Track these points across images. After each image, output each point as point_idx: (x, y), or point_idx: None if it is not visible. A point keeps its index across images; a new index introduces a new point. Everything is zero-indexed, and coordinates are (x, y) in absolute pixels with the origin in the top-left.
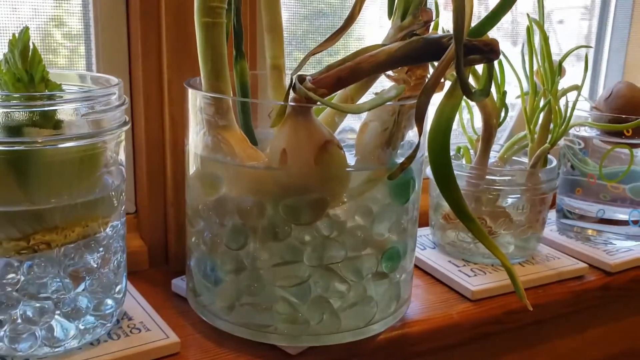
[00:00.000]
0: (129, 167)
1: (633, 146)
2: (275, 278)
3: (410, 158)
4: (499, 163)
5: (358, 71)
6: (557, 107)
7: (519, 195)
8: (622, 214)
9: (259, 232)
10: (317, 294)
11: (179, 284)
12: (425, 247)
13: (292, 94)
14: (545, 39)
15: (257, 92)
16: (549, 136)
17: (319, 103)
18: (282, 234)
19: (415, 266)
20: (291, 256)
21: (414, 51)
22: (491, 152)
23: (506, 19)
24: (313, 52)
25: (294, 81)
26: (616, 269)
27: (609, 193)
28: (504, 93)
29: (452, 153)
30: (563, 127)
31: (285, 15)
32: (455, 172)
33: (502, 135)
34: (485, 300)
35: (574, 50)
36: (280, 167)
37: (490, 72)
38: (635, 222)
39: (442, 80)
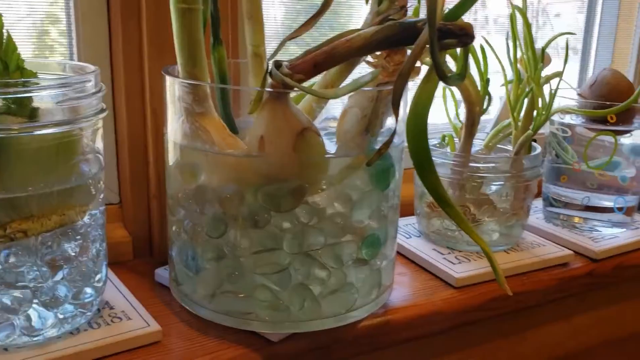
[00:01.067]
0: (112, 158)
1: (617, 133)
2: (256, 265)
3: (387, 144)
4: (484, 151)
5: (334, 56)
6: (539, 94)
7: (502, 183)
8: (607, 201)
9: (238, 220)
10: (298, 281)
11: (162, 274)
12: (411, 236)
13: (270, 81)
14: (527, 26)
15: (239, 80)
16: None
17: (296, 89)
18: (262, 221)
19: (401, 254)
20: (271, 243)
21: (389, 36)
22: (478, 141)
23: (502, 12)
24: (289, 38)
25: (270, 67)
26: (601, 256)
27: (596, 181)
28: (487, 81)
29: (437, 141)
30: (545, 114)
31: (281, 9)
32: (440, 160)
33: (489, 124)
34: (469, 287)
35: (557, 37)
36: (258, 154)
37: (465, 57)
38: (620, 209)
39: (419, 65)
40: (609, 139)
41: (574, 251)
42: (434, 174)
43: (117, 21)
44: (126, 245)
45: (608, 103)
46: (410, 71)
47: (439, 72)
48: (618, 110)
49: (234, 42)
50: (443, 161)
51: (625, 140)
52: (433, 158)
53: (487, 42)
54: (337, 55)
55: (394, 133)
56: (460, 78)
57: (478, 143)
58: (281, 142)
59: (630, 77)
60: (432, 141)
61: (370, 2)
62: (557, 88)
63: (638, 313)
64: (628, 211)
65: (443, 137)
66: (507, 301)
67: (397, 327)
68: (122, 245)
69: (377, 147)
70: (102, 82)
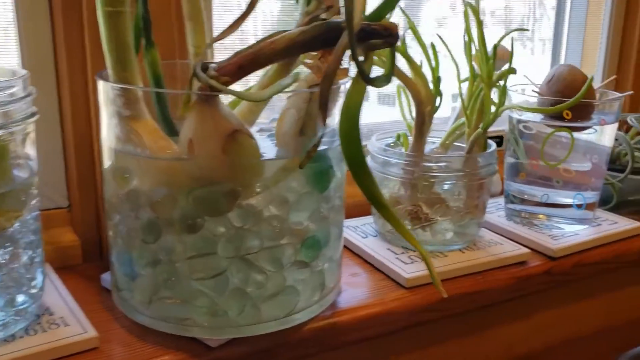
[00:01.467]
0: (60, 161)
1: (575, 129)
2: (192, 271)
3: (315, 147)
4: (440, 150)
5: (259, 58)
6: (488, 91)
7: (454, 181)
8: (566, 198)
9: (172, 224)
10: (235, 286)
11: (107, 279)
12: (367, 235)
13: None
14: (479, 23)
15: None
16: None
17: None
18: (195, 226)
19: (356, 254)
20: (206, 248)
21: (315, 37)
22: (437, 139)
23: (499, 4)
24: (216, 39)
25: (195, 69)
26: (559, 254)
27: (561, 178)
28: (438, 79)
29: (392, 140)
30: (494, 111)
31: (278, 4)
32: (392, 160)
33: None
34: (420, 287)
35: (509, 34)
36: (187, 157)
37: (392, 57)
38: (579, 206)
39: (349, 66)
40: (566, 135)
41: (533, 249)
42: (368, 176)
43: (59, 24)
44: (75, 249)
45: (565, 100)
46: (334, 73)
47: (361, 74)
48: (566, 107)
49: (182, 43)
50: (396, 161)
51: (588, 136)
52: (385, 158)
53: (440, 38)
54: (263, 57)
55: (321, 136)
56: (387, 80)
57: (439, 141)
58: (210, 145)
59: (600, 69)
60: (387, 140)
61: (300, 2)
62: (504, 85)
63: (599, 310)
64: (588, 208)
65: (398, 136)
66: (460, 301)
67: (345, 329)
68: (71, 249)
69: (320, 149)
70: (47, 85)
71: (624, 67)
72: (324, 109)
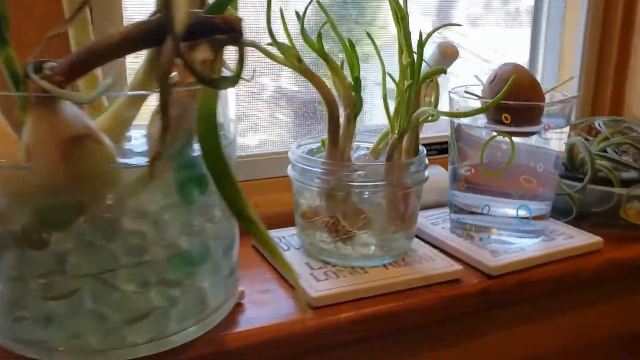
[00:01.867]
0: None
1: (516, 135)
2: (43, 290)
3: (159, 154)
4: (370, 157)
5: (94, 55)
6: (404, 95)
7: (374, 191)
8: (509, 209)
9: (18, 239)
10: (91, 307)
11: None
12: (290, 247)
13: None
14: (405, 26)
15: None
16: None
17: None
18: (41, 241)
19: (274, 268)
20: (55, 265)
21: (149, 31)
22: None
23: (529, 3)
24: (51, 36)
25: (26, 69)
26: (496, 272)
27: (521, 187)
28: (357, 80)
29: (317, 146)
30: (408, 116)
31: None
32: (310, 168)
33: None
34: (330, 307)
35: (435, 31)
36: (25, 165)
37: (241, 55)
38: (525, 219)
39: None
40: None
41: (471, 266)
42: (232, 185)
43: None
44: None
45: (507, 102)
46: (166, 75)
47: (194, 74)
48: (484, 110)
49: None
50: (314, 170)
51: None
52: (302, 166)
53: (369, 36)
54: (98, 54)
55: (163, 143)
56: (234, 81)
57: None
58: (47, 151)
59: (577, 63)
60: (312, 146)
61: None
62: (418, 85)
63: (552, 333)
64: (536, 220)
65: (323, 142)
66: (378, 322)
67: (231, 354)
68: None
69: (195, 154)
70: None
71: (603, 68)
72: (165, 113)
